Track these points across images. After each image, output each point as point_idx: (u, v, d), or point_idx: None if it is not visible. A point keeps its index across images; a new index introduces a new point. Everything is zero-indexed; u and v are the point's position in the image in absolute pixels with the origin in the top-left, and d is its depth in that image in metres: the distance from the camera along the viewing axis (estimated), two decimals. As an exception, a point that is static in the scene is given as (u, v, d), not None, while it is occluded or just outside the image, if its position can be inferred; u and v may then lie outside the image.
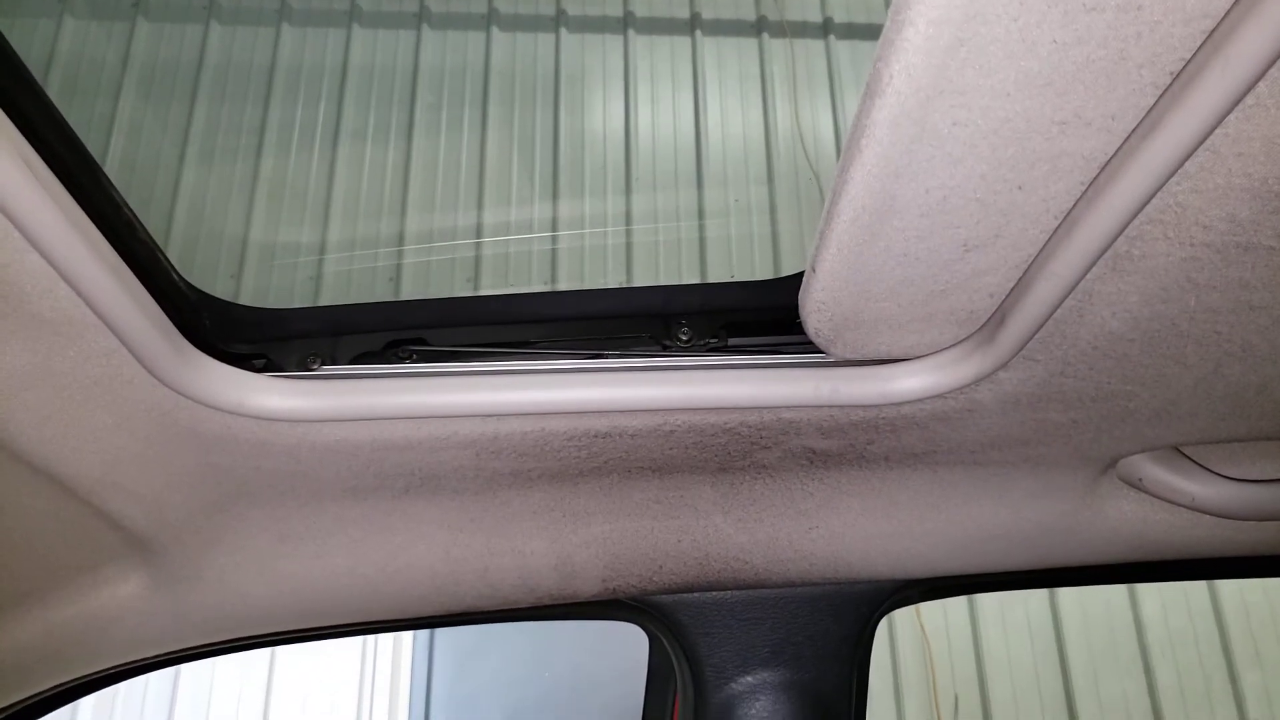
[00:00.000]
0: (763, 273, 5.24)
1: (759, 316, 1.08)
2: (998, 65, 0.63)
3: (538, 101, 5.48)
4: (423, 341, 1.05)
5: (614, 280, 5.16)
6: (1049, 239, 0.81)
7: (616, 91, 5.61)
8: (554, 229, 5.28)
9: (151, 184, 4.98)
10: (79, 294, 0.77)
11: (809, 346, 1.01)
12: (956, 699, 5.07)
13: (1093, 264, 0.80)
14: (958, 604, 5.26)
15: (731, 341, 1.07)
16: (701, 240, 5.33)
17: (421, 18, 5.59)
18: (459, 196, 5.23)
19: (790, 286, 0.97)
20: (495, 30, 5.63)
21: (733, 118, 5.64)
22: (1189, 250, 0.78)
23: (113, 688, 1.37)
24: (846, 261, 0.84)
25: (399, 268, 5.06)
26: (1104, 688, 5.18)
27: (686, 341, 1.06)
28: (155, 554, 1.14)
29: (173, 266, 0.92)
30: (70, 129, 0.78)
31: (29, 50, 5.09)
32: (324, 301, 4.90)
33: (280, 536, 1.18)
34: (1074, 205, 0.77)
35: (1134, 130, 0.69)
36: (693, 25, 5.84)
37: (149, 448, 0.98)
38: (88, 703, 4.73)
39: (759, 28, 5.88)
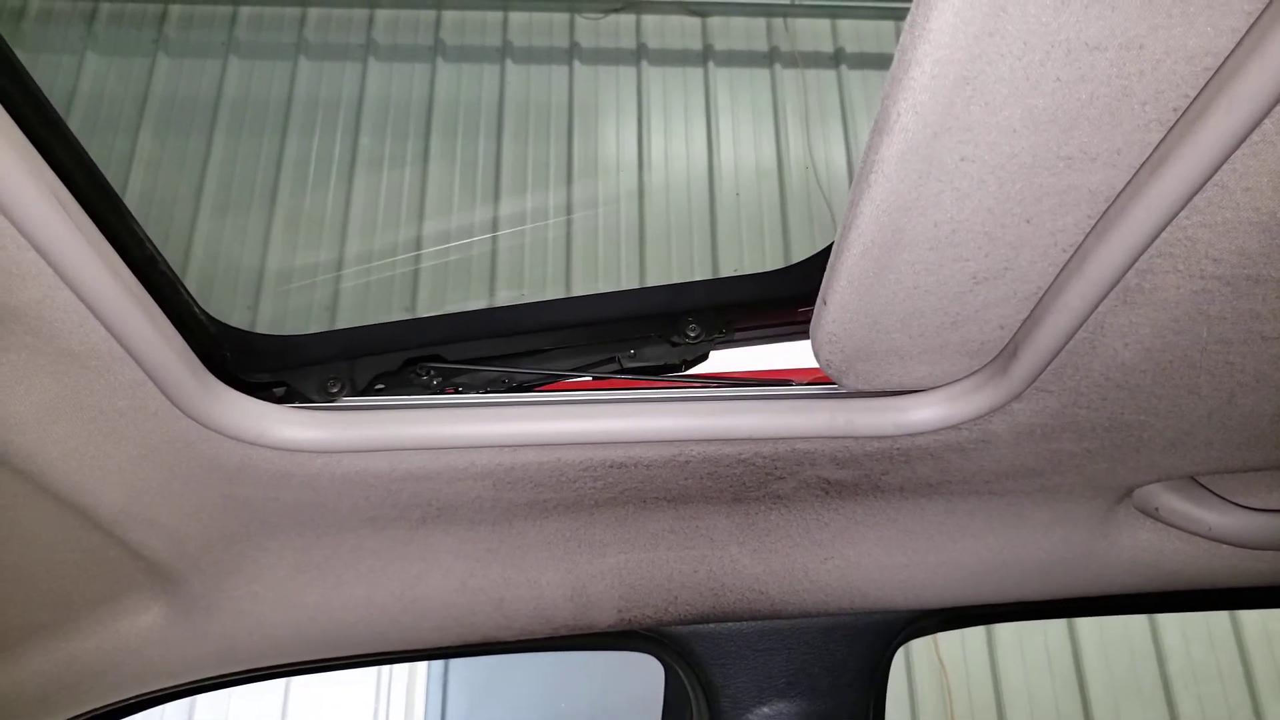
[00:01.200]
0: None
1: (765, 308, 1.09)
2: (1003, 103, 0.64)
3: (551, 132, 5.54)
4: (439, 358, 1.07)
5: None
6: (1059, 272, 0.82)
7: (630, 122, 5.66)
8: (567, 254, 5.31)
9: (170, 216, 5.05)
10: (108, 328, 0.79)
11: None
12: (975, 731, 5.01)
13: (1104, 296, 0.80)
14: (975, 634, 5.20)
15: (738, 335, 1.09)
16: (714, 260, 5.35)
17: (436, 51, 5.67)
18: (472, 227, 5.27)
19: (795, 275, 0.97)
20: (510, 63, 5.70)
21: (745, 147, 5.67)
22: (1200, 283, 0.78)
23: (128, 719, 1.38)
24: (857, 294, 0.84)
25: (413, 303, 5.11)
26: (1125, 720, 5.10)
27: (695, 338, 1.08)
28: (175, 584, 1.15)
29: (194, 299, 0.94)
30: (98, 169, 0.80)
31: (52, 86, 5.19)
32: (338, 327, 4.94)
33: (298, 566, 1.19)
34: (1084, 239, 0.78)
35: (1141, 165, 0.70)
36: (705, 56, 5.90)
37: (172, 479, 0.99)
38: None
39: (771, 58, 5.93)
